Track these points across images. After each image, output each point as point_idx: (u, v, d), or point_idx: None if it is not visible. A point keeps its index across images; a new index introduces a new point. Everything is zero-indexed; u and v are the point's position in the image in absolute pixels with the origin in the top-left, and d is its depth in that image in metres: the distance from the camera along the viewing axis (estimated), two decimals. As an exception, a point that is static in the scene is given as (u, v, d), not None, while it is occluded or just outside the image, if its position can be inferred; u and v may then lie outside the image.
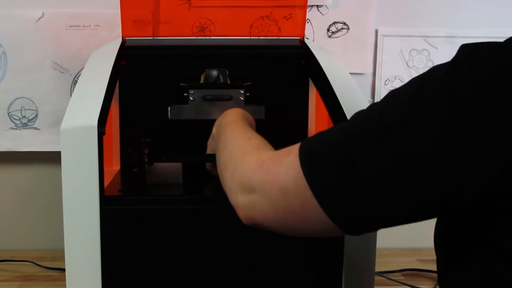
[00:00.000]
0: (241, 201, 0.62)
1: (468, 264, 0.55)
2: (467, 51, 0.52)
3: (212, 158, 0.88)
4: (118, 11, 1.04)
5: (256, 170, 0.60)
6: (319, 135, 0.58)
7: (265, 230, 0.63)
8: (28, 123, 1.26)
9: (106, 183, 0.82)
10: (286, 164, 0.58)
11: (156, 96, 1.03)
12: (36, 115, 1.26)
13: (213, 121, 1.00)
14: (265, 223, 0.60)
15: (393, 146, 0.51)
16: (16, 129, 1.26)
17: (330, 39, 1.29)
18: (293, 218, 0.58)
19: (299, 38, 1.09)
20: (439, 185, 0.49)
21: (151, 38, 1.07)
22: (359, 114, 0.56)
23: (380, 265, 1.14)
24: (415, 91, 0.52)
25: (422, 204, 0.51)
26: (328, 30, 1.29)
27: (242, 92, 0.96)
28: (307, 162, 0.56)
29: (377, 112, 0.54)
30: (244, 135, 0.70)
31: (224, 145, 0.71)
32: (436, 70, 0.52)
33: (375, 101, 1.31)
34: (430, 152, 0.49)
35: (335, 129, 0.58)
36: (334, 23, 1.29)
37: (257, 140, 0.67)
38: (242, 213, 0.62)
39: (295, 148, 0.58)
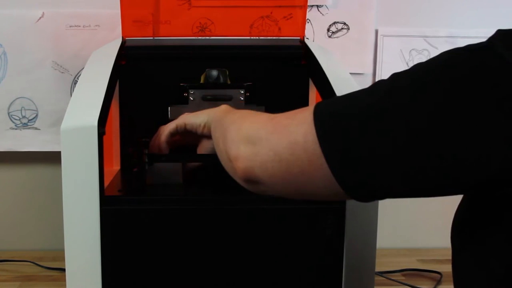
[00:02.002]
0: (243, 151, 0.60)
1: (487, 257, 0.54)
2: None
3: (212, 158, 0.88)
4: (118, 11, 1.04)
5: (267, 123, 0.59)
6: (337, 98, 0.57)
7: (258, 191, 0.61)
8: (28, 123, 1.26)
9: (106, 183, 0.82)
10: (299, 118, 0.56)
11: (156, 96, 1.03)
12: (36, 115, 1.26)
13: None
14: (263, 177, 0.58)
15: (413, 121, 0.50)
16: (16, 129, 1.26)
17: (330, 39, 1.29)
18: (296, 174, 0.56)
19: (299, 38, 1.09)
20: (449, 161, 0.49)
21: (151, 38, 1.07)
22: (380, 84, 0.55)
23: (380, 265, 1.14)
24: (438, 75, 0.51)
25: (434, 178, 0.50)
26: (328, 30, 1.29)
27: (242, 92, 0.96)
28: (320, 119, 0.54)
29: (398, 85, 0.53)
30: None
31: (230, 119, 0.68)
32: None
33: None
34: (443, 130, 0.49)
35: (354, 95, 0.56)
36: (334, 23, 1.29)
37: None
38: (240, 164, 0.60)
39: (310, 106, 0.57)
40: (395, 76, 0.54)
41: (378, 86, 0.55)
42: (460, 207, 0.61)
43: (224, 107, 0.76)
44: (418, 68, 0.53)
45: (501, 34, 0.51)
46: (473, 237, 0.56)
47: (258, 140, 0.59)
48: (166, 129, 0.86)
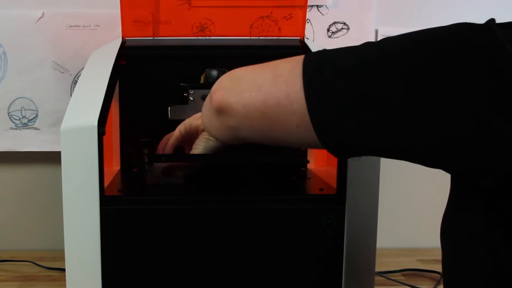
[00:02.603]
0: (224, 84, 0.61)
1: (474, 251, 0.54)
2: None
3: (212, 158, 0.88)
4: (118, 11, 1.04)
5: (256, 65, 0.60)
6: (330, 50, 0.57)
7: (229, 126, 0.60)
8: (28, 123, 1.26)
9: (106, 183, 0.82)
10: (289, 59, 0.57)
11: (156, 96, 1.03)
12: (36, 115, 1.26)
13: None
14: (237, 107, 0.58)
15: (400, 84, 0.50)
16: (16, 129, 1.26)
17: (330, 39, 1.29)
18: (272, 105, 0.56)
19: (299, 38, 1.09)
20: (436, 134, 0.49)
21: (151, 38, 1.08)
22: (369, 47, 0.54)
23: (380, 265, 1.14)
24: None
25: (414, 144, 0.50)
26: (328, 30, 1.29)
27: (242, 92, 0.96)
28: (309, 61, 0.55)
29: (388, 50, 0.52)
30: None
31: None
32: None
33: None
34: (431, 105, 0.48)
35: (344, 50, 0.56)
36: (334, 23, 1.29)
37: None
38: (218, 94, 0.60)
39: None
40: (386, 42, 0.54)
41: (367, 49, 0.54)
42: (447, 205, 0.61)
43: None
44: (411, 37, 0.53)
45: (496, 24, 0.50)
46: (460, 232, 0.56)
47: (243, 76, 0.60)
48: (173, 136, 0.86)
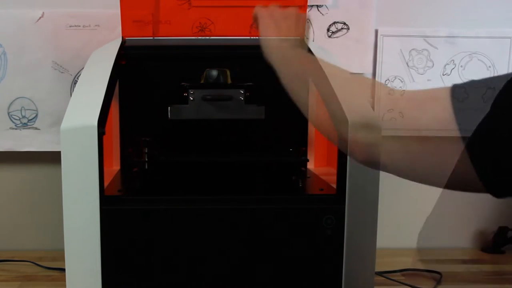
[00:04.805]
0: (361, 138, 0.58)
1: None
2: None
3: (209, 158, 0.88)
4: (118, 11, 1.04)
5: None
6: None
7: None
8: (28, 123, 1.26)
9: (106, 183, 0.82)
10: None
11: (156, 96, 1.03)
12: (36, 115, 1.26)
13: (213, 121, 1.00)
14: (388, 165, 0.58)
15: None
16: (16, 129, 1.26)
17: (330, 39, 1.29)
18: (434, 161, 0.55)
19: (299, 38, 1.08)
20: None
21: (151, 38, 1.08)
22: None
23: (380, 265, 1.14)
24: None
25: None
26: (328, 30, 1.29)
27: (242, 92, 0.96)
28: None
29: None
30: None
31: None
32: None
33: (375, 101, 1.31)
34: None
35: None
36: (334, 23, 1.29)
37: None
38: (360, 153, 0.58)
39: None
40: None
41: None
42: None
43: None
44: None
45: None
46: None
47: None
48: None
